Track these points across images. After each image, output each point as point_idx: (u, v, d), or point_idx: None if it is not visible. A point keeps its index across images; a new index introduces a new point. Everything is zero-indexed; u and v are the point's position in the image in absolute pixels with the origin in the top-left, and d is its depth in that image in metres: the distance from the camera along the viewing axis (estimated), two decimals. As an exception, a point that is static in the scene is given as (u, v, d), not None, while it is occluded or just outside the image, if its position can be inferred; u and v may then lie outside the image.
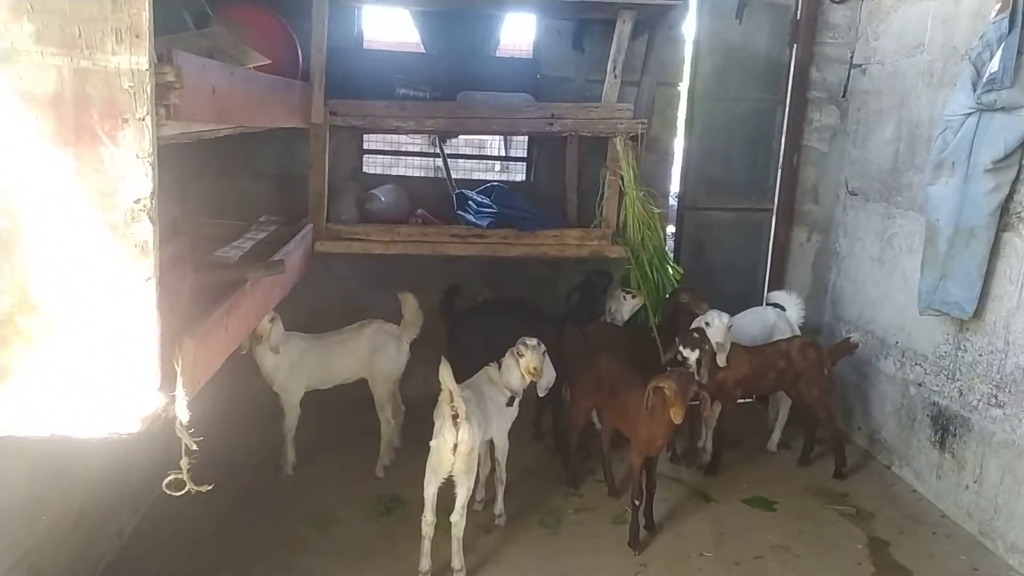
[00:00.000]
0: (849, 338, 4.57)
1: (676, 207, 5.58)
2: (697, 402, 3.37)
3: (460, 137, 6.17)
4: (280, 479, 4.08)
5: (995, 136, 3.62)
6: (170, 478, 1.93)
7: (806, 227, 5.55)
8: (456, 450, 3.18)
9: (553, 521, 3.82)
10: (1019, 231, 3.66)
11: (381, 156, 5.80)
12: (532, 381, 3.54)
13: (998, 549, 3.72)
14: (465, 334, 4.50)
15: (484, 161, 6.10)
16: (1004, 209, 3.70)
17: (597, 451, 4.24)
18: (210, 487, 2.03)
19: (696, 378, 3.61)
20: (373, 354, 4.07)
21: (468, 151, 6.23)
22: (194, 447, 1.86)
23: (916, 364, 4.41)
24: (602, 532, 3.76)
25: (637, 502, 3.60)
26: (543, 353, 3.55)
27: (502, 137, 5.58)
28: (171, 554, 3.41)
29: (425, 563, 3.27)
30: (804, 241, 5.58)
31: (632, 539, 3.62)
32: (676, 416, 3.24)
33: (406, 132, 4.66)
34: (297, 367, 3.96)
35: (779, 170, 5.48)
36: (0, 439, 1.68)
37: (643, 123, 4.53)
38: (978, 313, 3.84)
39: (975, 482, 3.90)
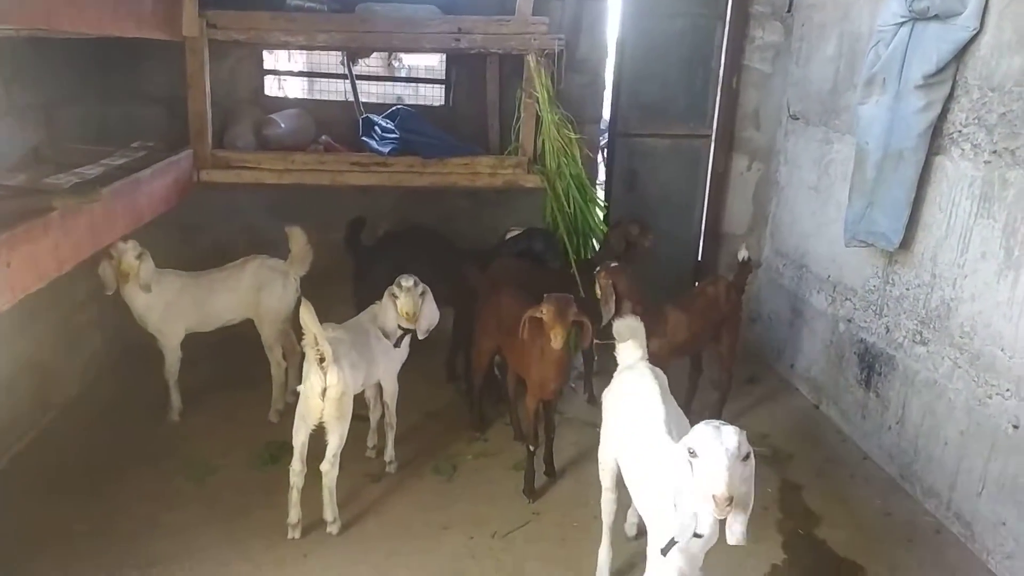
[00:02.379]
0: (740, 260, 4.04)
1: (607, 134, 5.22)
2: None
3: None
4: (165, 427, 3.83)
5: (928, 48, 3.28)
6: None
7: (747, 155, 5.22)
8: (325, 395, 2.92)
9: (448, 467, 3.60)
10: (951, 154, 3.35)
11: (294, 78, 5.42)
12: (408, 326, 3.27)
13: (916, 492, 3.54)
14: (373, 269, 4.18)
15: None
16: (937, 130, 3.39)
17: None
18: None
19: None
20: (258, 292, 3.77)
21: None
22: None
23: (846, 299, 4.16)
24: (500, 479, 3.55)
25: (532, 448, 3.38)
26: (421, 294, 3.26)
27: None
28: (32, 504, 3.17)
29: (294, 515, 3.05)
30: (744, 170, 5.25)
31: (527, 486, 3.41)
32: (556, 341, 2.98)
33: (295, 48, 4.28)
34: (173, 307, 3.66)
35: (718, 93, 5.11)
36: None
37: (559, 38, 4.15)
38: (906, 244, 3.58)
39: (897, 423, 3.70)
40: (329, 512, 3.08)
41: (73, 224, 2.51)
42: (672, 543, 2.21)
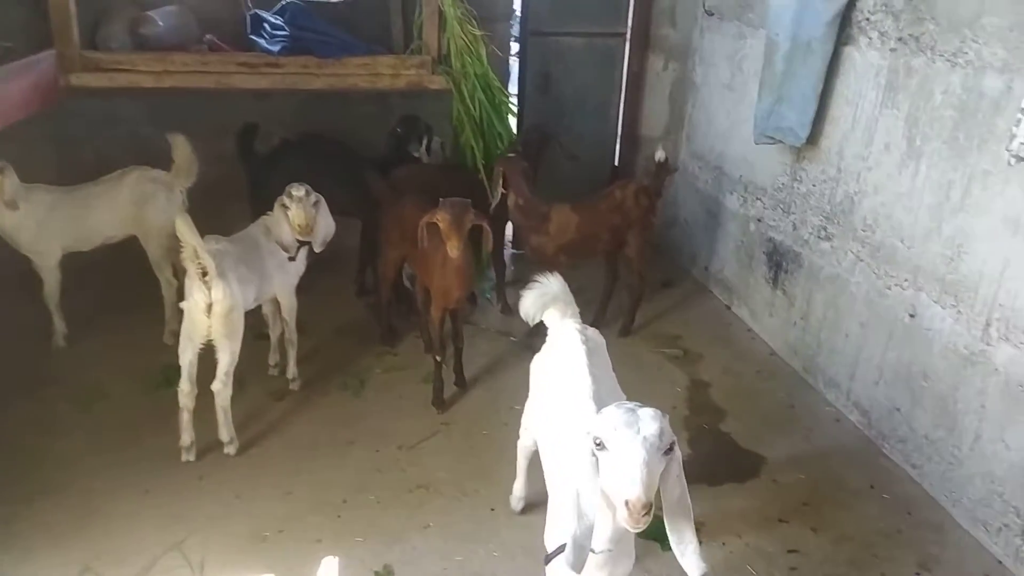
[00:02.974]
0: (657, 161, 3.94)
1: (519, 32, 4.98)
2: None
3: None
4: (50, 354, 3.59)
5: (837, -70, 3.15)
6: None
7: (663, 54, 5.07)
8: (211, 311, 2.74)
9: (356, 383, 3.50)
10: (859, 44, 3.28)
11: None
12: (303, 239, 3.08)
13: (818, 385, 3.63)
14: (268, 179, 3.92)
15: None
16: (845, 19, 3.30)
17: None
18: None
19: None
20: (140, 207, 3.50)
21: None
22: None
23: (757, 199, 4.14)
24: (409, 392, 3.47)
25: (439, 358, 3.29)
26: (314, 204, 3.06)
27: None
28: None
29: (186, 437, 2.92)
30: (660, 70, 5.11)
31: (436, 397, 3.34)
32: (452, 250, 2.88)
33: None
34: (45, 225, 3.37)
35: (633, -12, 4.91)
36: None
37: (458, -76, 3.85)
38: (813, 139, 3.53)
39: (802, 318, 3.75)
40: (225, 432, 2.95)
41: None
42: (558, 551, 1.69)
